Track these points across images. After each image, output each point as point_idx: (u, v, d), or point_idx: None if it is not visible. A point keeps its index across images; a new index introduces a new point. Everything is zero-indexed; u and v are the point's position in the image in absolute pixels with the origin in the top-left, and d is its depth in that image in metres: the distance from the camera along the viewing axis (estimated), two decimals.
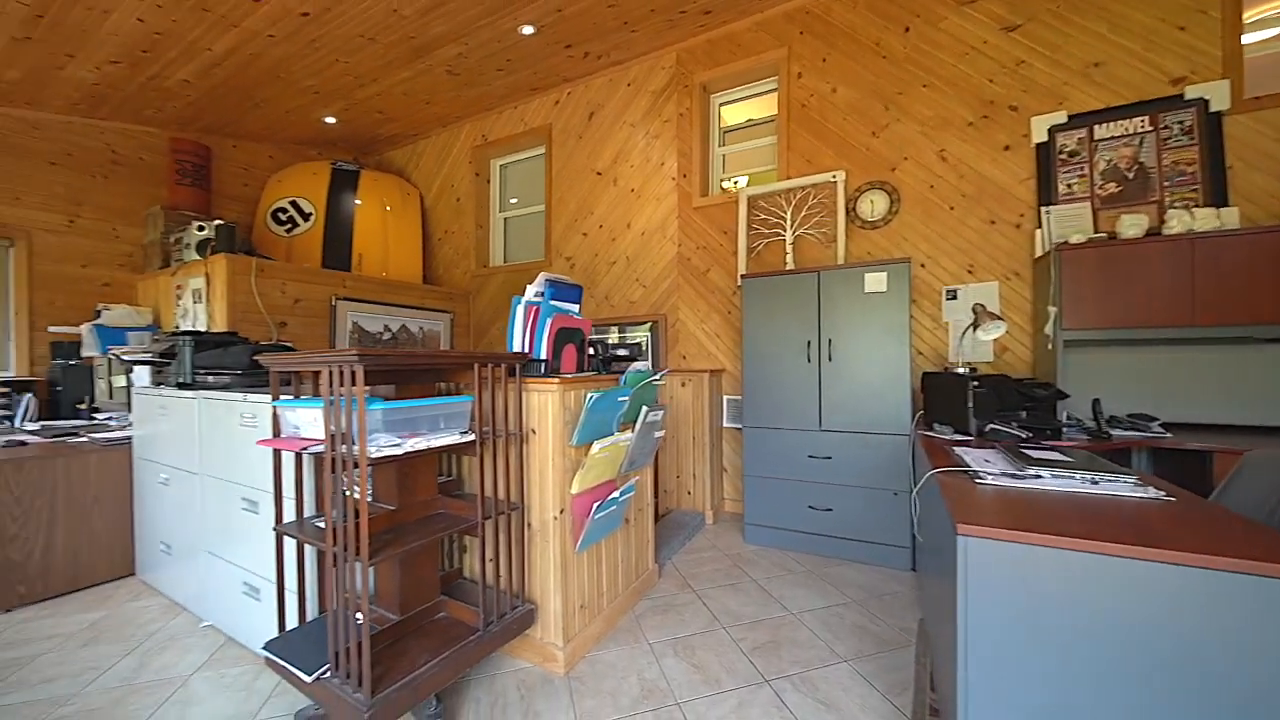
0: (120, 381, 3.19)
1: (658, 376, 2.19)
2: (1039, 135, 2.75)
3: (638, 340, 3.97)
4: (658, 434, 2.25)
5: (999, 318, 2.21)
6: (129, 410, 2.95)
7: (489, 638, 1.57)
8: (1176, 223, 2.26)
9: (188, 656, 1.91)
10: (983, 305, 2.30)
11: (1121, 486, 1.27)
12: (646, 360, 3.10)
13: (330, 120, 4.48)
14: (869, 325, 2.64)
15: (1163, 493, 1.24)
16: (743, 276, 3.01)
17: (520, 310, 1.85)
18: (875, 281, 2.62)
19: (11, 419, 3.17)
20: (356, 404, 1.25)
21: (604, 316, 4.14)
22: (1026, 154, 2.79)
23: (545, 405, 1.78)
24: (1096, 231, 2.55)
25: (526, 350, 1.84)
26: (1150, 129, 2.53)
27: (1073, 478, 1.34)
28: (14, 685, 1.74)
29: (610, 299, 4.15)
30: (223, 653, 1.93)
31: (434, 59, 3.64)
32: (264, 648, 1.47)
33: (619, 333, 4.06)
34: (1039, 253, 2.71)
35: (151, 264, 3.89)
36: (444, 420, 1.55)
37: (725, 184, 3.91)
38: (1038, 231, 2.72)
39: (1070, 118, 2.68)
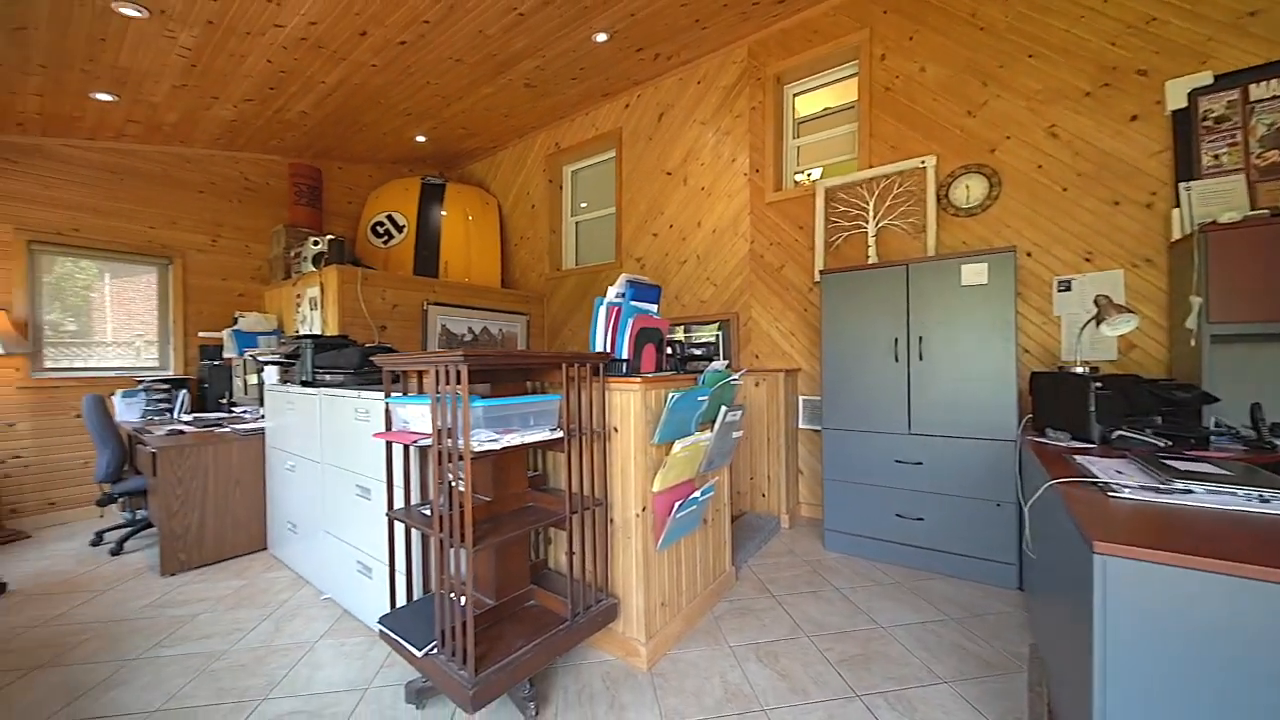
0: (254, 379, 3.65)
1: (736, 376, 2.16)
2: (1176, 101, 2.40)
3: (705, 340, 3.93)
4: (736, 434, 2.22)
5: (1128, 310, 1.96)
6: (261, 404, 3.36)
7: (577, 627, 1.63)
8: None
9: (313, 625, 2.14)
10: (1107, 297, 2.04)
11: None
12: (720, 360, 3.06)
13: (421, 139, 4.84)
14: (967, 321, 2.44)
15: None
16: (821, 272, 2.89)
17: (602, 311, 1.90)
18: (974, 273, 2.42)
19: (171, 411, 3.72)
20: (461, 401, 1.34)
21: (673, 316, 4.14)
22: (1159, 124, 2.44)
23: (627, 404, 1.81)
24: (1254, 208, 2.18)
25: (609, 350, 1.89)
26: None
27: (1234, 494, 1.16)
28: (181, 639, 2.04)
29: (680, 298, 4.15)
30: (340, 624, 2.15)
31: (514, 73, 3.83)
32: (379, 622, 1.62)
33: (684, 332, 4.04)
34: (1177, 235, 2.37)
35: (276, 276, 4.42)
36: (534, 418, 1.62)
37: (799, 177, 3.77)
38: (1175, 211, 2.38)
39: (1217, 78, 2.32)
